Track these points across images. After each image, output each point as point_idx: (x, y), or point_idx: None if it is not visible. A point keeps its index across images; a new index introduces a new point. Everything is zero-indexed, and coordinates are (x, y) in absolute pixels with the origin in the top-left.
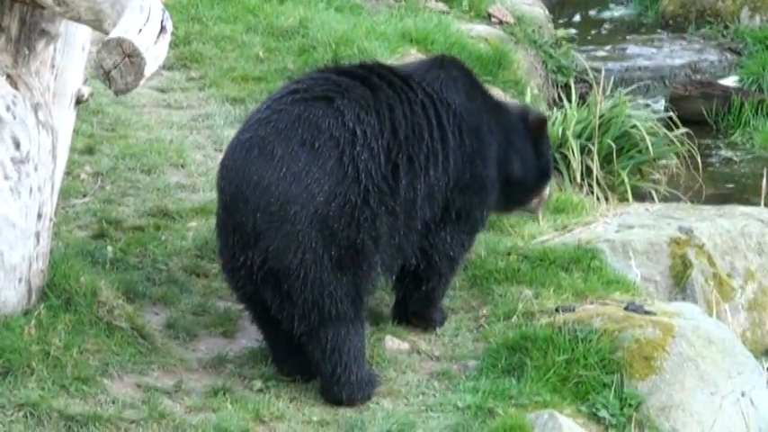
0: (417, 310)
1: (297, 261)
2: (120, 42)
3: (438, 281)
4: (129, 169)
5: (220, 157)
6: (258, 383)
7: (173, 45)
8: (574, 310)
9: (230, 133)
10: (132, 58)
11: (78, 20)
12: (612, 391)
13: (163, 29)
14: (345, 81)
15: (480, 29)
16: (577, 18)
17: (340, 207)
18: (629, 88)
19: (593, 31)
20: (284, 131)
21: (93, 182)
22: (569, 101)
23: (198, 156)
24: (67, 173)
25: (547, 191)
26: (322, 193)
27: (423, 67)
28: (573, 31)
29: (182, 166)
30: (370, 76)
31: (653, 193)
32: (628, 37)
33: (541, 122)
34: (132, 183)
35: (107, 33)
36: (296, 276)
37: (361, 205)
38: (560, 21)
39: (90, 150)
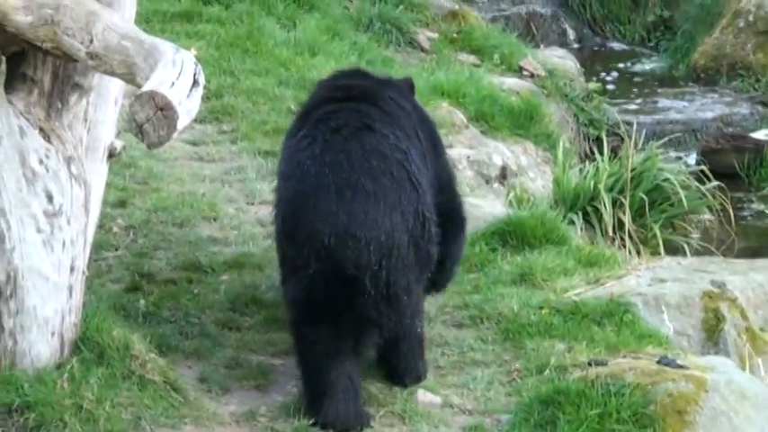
0: (440, 283)
1: (406, 282)
2: (152, 96)
3: (452, 261)
4: (162, 223)
5: (252, 209)
6: None
7: (205, 98)
8: (606, 364)
9: (262, 186)
10: (165, 111)
11: (111, 73)
12: None
13: (195, 82)
14: (358, 106)
15: (512, 82)
16: (608, 71)
17: (421, 224)
18: (661, 141)
19: (624, 85)
20: (363, 167)
21: (126, 235)
22: (601, 154)
23: (230, 209)
24: (100, 226)
25: None
26: (410, 215)
27: (378, 86)
28: (610, 86)
29: (214, 219)
30: (365, 95)
31: (685, 246)
32: (659, 90)
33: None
34: (164, 236)
35: (140, 87)
36: (409, 294)
37: (429, 216)
38: (592, 74)
39: (122, 204)
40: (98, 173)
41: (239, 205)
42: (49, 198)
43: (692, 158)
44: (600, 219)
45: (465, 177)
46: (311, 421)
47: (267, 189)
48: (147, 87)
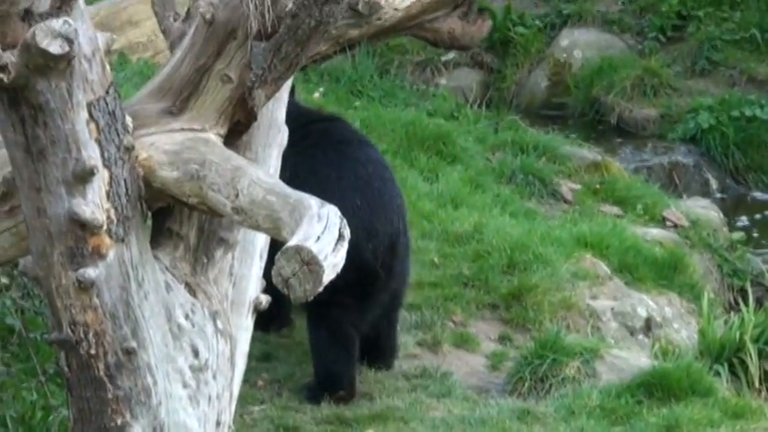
0: None
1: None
2: (298, 250)
3: None
4: (307, 376)
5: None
6: None
7: None
8: None
9: (406, 339)
10: (311, 266)
11: (257, 228)
12: None
13: (341, 237)
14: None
15: (655, 232)
16: (752, 221)
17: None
18: None
19: None
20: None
21: (271, 389)
22: (746, 305)
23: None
24: (245, 380)
25: None
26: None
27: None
28: (754, 236)
29: (358, 373)
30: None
31: None
32: None
33: None
34: None
35: (285, 241)
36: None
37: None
38: (735, 224)
39: (267, 357)
40: (243, 327)
41: None
42: (195, 353)
43: None
44: (746, 370)
45: (609, 329)
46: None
47: (411, 341)
48: (292, 242)
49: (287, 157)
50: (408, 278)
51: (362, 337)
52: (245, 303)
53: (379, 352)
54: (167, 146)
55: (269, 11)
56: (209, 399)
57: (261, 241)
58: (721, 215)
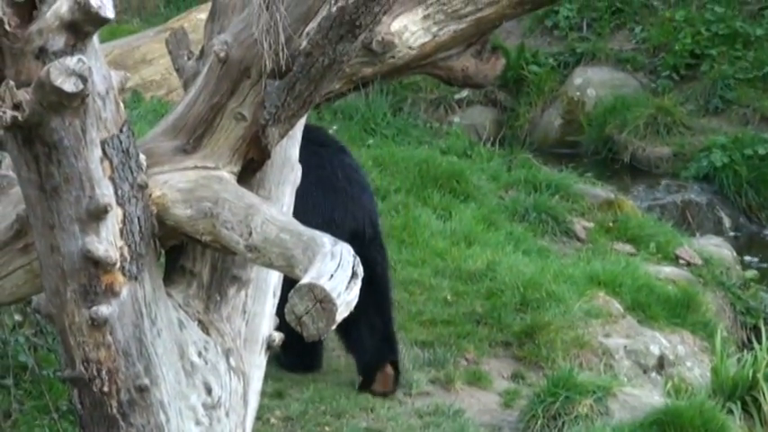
0: None
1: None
2: (311, 288)
3: None
4: (320, 413)
5: (410, 400)
6: None
7: None
8: None
9: (420, 377)
10: (324, 303)
11: (270, 265)
12: None
13: (354, 274)
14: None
15: (668, 271)
16: (765, 259)
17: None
18: None
19: None
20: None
21: (284, 426)
22: (759, 343)
23: (387, 400)
24: (258, 417)
25: None
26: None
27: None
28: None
29: (371, 410)
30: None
31: None
32: None
33: None
34: (322, 427)
35: (298, 279)
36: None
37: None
38: (748, 262)
39: (280, 395)
40: (256, 365)
41: (397, 396)
42: (208, 390)
43: None
44: (759, 408)
45: (622, 367)
46: None
47: (424, 379)
48: (305, 280)
49: None
50: (386, 271)
51: (360, 339)
52: (259, 341)
53: (380, 343)
54: (181, 184)
55: (283, 49)
56: None
57: (274, 279)
58: (734, 253)
